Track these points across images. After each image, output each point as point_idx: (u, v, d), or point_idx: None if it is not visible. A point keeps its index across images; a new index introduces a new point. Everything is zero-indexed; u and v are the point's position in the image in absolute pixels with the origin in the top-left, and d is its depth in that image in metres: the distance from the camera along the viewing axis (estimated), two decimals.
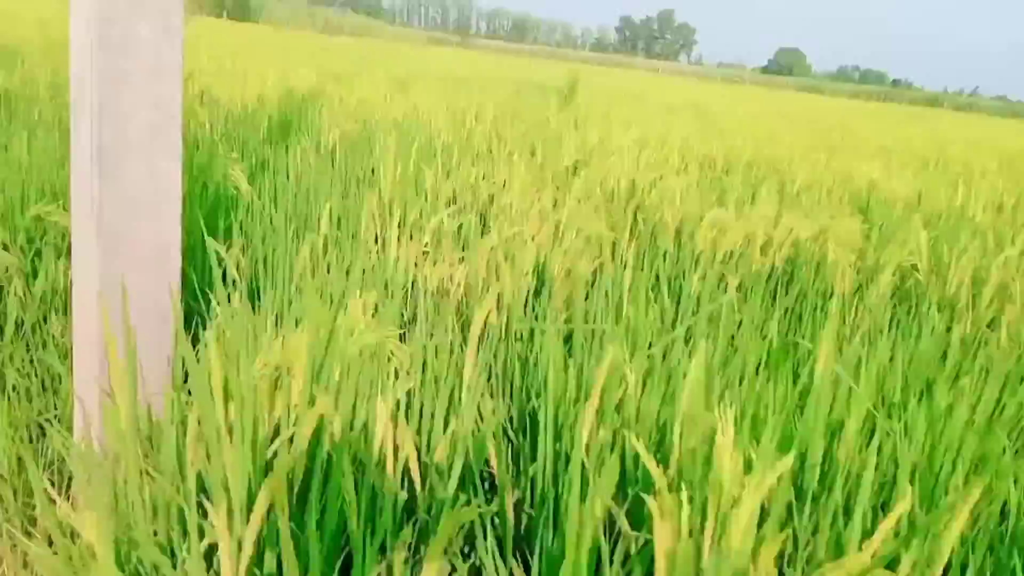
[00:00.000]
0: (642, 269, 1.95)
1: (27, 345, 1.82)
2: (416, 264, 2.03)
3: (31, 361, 1.78)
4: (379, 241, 2.58)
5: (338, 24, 45.11)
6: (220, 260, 2.08)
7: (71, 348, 1.90)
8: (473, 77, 10.92)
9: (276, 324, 2.02)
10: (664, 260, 2.07)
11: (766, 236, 2.50)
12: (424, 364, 1.22)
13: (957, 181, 4.28)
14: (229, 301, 2.11)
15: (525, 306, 1.71)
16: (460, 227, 2.43)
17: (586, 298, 1.91)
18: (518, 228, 2.14)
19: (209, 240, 1.98)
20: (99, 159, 1.52)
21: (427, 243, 2.16)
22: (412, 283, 2.06)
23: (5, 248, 1.82)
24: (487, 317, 1.21)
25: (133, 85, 1.52)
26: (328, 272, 2.24)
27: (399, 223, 2.42)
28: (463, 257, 1.75)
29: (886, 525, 0.81)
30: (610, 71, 33.10)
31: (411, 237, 2.33)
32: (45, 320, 1.87)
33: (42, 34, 7.65)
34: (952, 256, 2.36)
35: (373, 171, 3.19)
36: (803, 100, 25.41)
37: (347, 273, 2.22)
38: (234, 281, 2.06)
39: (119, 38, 1.47)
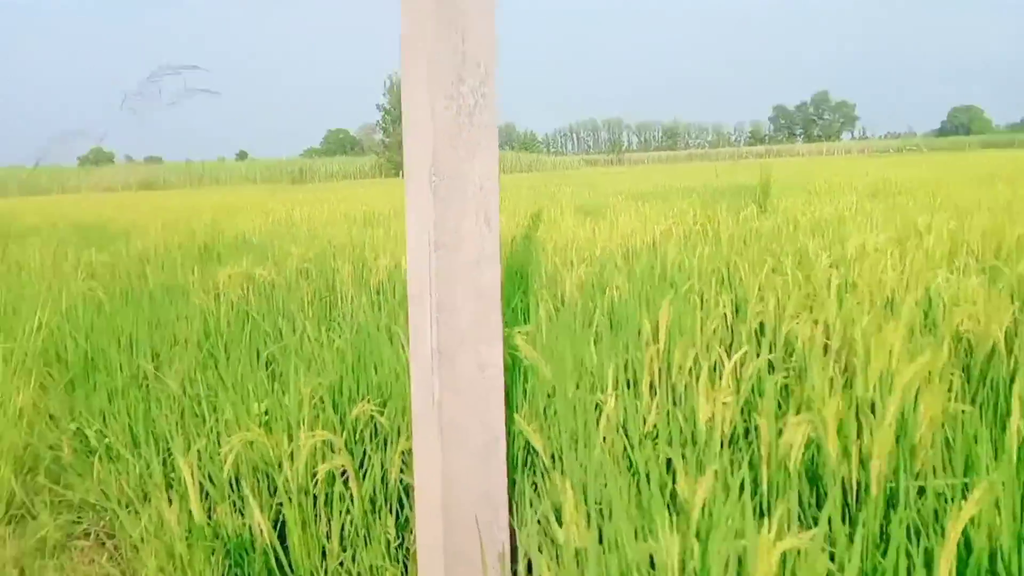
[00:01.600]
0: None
1: (354, 547, 1.82)
2: (731, 422, 1.88)
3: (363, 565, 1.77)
4: (653, 389, 2.46)
5: (505, 162, 47.82)
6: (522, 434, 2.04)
7: (397, 545, 1.90)
8: (653, 192, 10.97)
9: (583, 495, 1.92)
10: None
11: None
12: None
13: None
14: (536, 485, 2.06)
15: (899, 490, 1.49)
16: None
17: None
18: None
19: (517, 418, 1.95)
20: (438, 355, 1.52)
21: (728, 392, 2.00)
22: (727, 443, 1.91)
23: (331, 448, 1.87)
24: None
25: (462, 279, 1.54)
26: (622, 432, 2.14)
27: (689, 370, 2.30)
28: (804, 419, 1.57)
29: None
30: (777, 161, 32.38)
31: (699, 381, 2.20)
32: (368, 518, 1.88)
33: (269, 221, 8.56)
34: None
35: (611, 314, 3.13)
36: (998, 158, 23.33)
37: (647, 437, 2.11)
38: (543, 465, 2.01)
39: (451, 235, 1.51)
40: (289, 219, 8.52)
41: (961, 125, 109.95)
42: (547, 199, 11.09)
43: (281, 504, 1.74)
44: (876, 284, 2.76)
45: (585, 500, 1.88)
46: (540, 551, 1.61)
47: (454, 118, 1.47)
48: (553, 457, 2.12)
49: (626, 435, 2.08)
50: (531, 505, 1.96)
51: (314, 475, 1.76)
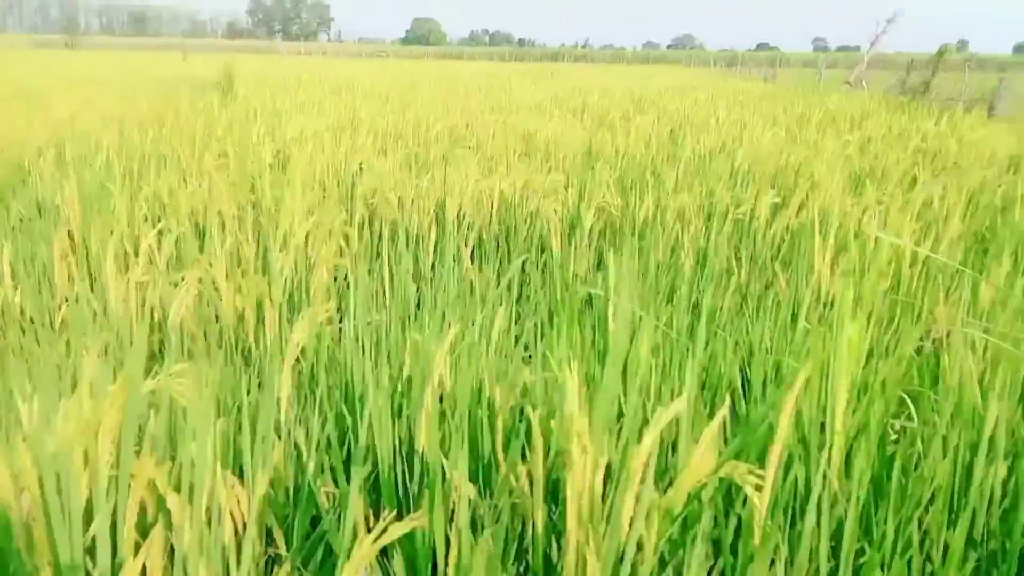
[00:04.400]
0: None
1: None
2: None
3: None
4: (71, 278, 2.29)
5: None
6: None
7: None
8: (115, 79, 9.84)
9: None
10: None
11: (475, 198, 2.68)
12: None
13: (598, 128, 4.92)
14: None
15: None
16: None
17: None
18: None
19: None
20: None
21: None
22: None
23: None
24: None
25: None
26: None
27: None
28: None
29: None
30: (255, 57, 31.68)
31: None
32: None
33: None
34: (636, 195, 2.76)
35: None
36: (448, 67, 26.51)
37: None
38: None
39: None
40: None
41: (422, 36, 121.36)
42: None
43: None
44: (307, 163, 2.96)
45: None
46: None
47: None
48: None
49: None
50: None
51: None
